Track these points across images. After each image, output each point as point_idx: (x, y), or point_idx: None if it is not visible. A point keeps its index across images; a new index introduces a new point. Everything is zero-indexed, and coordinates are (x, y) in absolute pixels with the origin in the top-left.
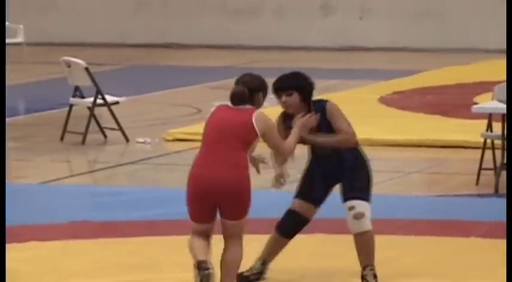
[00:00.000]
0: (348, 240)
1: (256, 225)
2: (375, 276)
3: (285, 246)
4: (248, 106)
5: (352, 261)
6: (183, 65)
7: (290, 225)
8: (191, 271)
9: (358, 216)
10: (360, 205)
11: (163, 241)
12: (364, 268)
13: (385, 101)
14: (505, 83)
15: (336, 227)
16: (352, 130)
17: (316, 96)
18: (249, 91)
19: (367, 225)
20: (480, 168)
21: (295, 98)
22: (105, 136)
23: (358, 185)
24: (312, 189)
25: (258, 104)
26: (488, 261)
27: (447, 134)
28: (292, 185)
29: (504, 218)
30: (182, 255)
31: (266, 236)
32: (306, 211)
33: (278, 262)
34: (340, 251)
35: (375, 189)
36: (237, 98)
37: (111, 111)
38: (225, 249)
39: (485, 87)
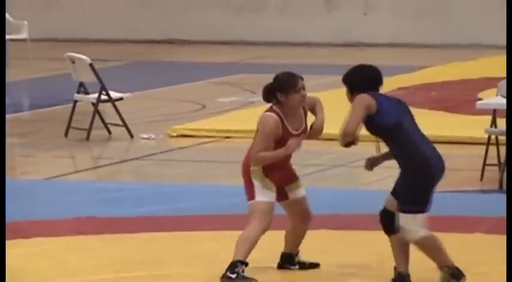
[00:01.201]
0: (352, 236)
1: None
2: (451, 276)
3: (401, 245)
4: (275, 106)
5: (355, 258)
6: (187, 61)
7: (385, 223)
8: (196, 267)
9: (398, 230)
10: (399, 218)
11: (168, 237)
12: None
13: None
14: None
15: (340, 223)
16: (351, 124)
17: (324, 91)
18: (269, 90)
19: (410, 236)
20: (484, 164)
21: (347, 92)
22: (109, 132)
23: (401, 194)
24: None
25: (284, 105)
26: (492, 257)
27: (451, 130)
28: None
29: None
30: (187, 251)
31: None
32: (391, 205)
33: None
34: (344, 247)
35: (379, 185)
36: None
37: (115, 107)
38: None
39: (489, 83)
